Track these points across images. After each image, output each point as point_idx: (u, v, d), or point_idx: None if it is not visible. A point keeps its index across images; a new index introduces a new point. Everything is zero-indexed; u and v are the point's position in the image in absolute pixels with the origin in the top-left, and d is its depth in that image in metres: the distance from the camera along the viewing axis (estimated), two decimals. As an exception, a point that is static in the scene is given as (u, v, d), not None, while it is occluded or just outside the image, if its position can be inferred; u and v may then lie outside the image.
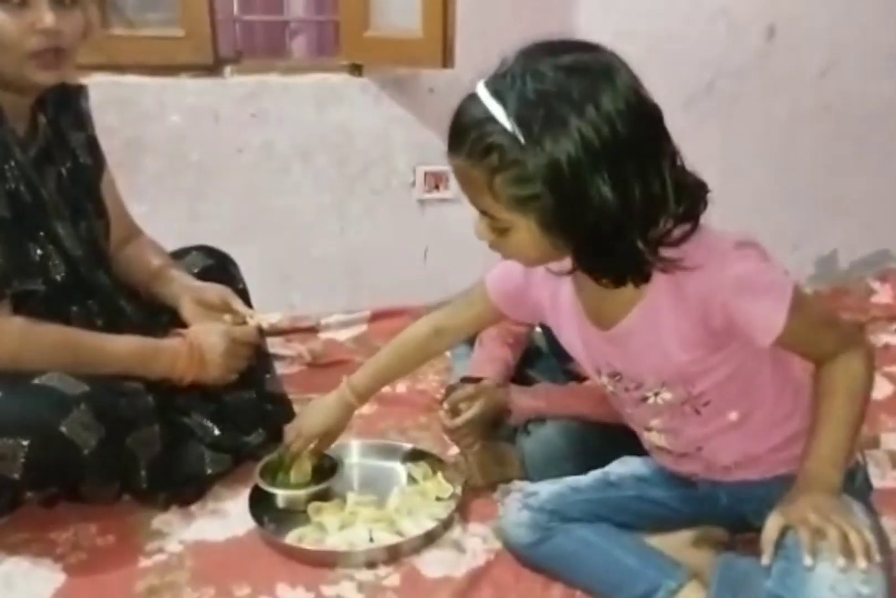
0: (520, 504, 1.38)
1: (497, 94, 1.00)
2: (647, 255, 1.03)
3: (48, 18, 1.37)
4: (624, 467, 1.42)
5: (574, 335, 1.27)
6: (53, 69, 1.44)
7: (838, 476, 1.12)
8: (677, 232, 1.04)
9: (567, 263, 1.12)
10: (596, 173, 0.97)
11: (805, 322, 1.11)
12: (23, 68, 1.41)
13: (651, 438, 1.32)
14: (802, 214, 2.74)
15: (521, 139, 0.97)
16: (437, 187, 2.57)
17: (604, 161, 0.97)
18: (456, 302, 1.51)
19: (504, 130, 0.98)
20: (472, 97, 1.03)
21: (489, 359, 1.80)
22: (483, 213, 1.07)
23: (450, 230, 2.60)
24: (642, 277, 1.08)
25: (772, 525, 1.07)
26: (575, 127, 0.96)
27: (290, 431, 1.59)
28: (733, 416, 1.22)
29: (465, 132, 1.02)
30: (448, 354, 1.98)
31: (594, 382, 1.33)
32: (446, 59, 2.19)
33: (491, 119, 0.99)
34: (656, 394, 1.22)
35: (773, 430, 1.24)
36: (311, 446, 1.56)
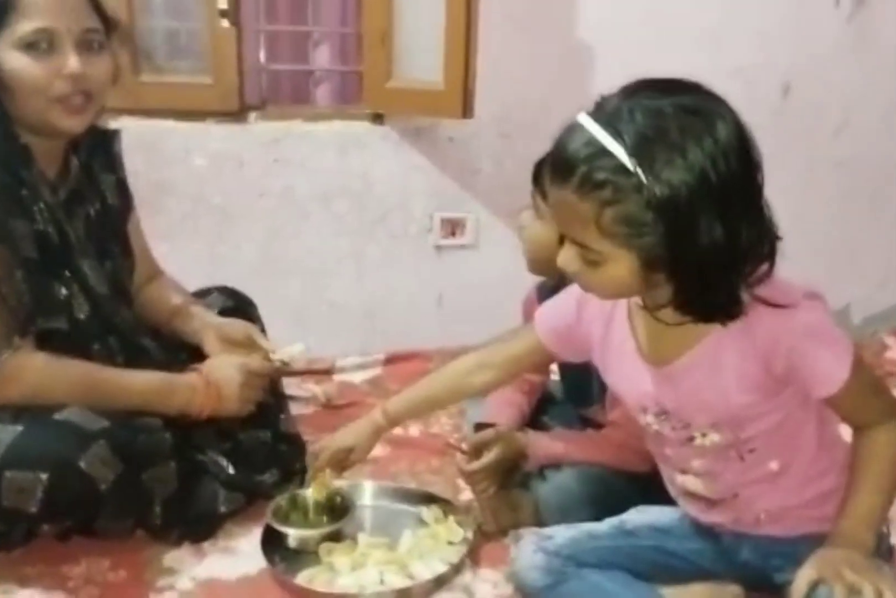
0: (535, 547, 1.36)
1: (611, 128, 1.01)
2: (744, 292, 1.06)
3: (73, 63, 1.41)
4: (642, 516, 1.41)
5: (623, 372, 1.27)
6: (78, 115, 1.46)
7: (872, 538, 1.13)
8: (759, 272, 1.07)
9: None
10: (710, 209, 0.99)
11: (860, 383, 1.13)
12: (49, 113, 1.44)
13: (685, 482, 1.31)
14: (816, 269, 2.74)
15: (640, 174, 0.99)
16: (453, 234, 2.61)
17: (717, 197, 0.99)
18: (503, 338, 1.50)
19: (619, 164, 0.99)
20: (577, 129, 1.03)
21: (504, 404, 1.80)
22: (577, 244, 1.07)
23: (465, 276, 2.64)
24: (733, 315, 1.09)
25: (803, 578, 1.05)
26: (694, 161, 0.98)
27: (318, 447, 1.59)
28: (774, 465, 1.22)
29: (575, 165, 1.02)
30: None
31: (636, 422, 1.31)
32: (466, 110, 2.24)
33: (604, 152, 1.00)
34: (704, 435, 1.22)
35: (808, 484, 1.24)
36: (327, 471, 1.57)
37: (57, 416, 1.39)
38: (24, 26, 1.38)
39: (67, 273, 1.54)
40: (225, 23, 2.32)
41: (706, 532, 1.35)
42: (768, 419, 1.19)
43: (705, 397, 1.18)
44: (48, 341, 1.49)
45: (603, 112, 1.03)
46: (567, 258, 1.10)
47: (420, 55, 2.31)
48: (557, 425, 1.83)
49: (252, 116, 2.45)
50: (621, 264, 1.06)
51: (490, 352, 1.48)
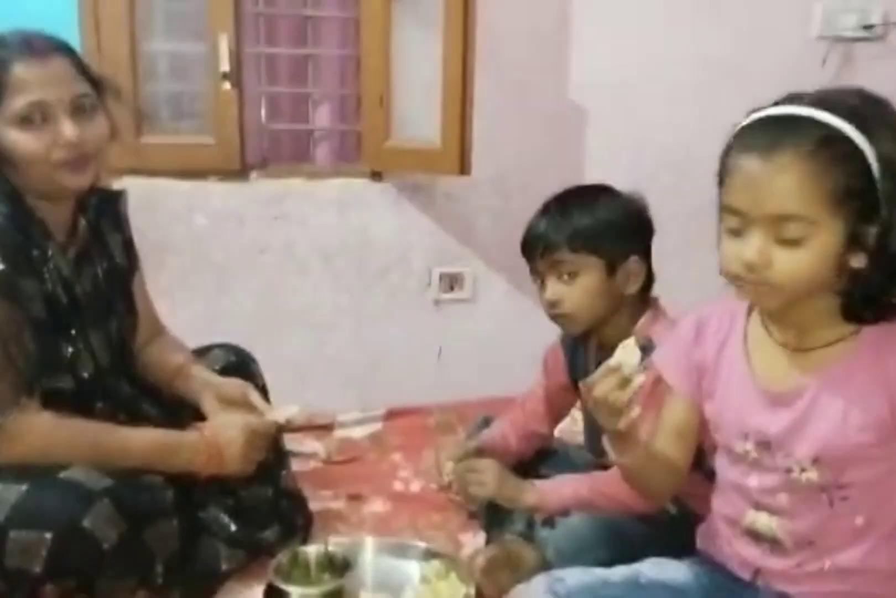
0: (545, 587, 1.32)
1: (821, 106, 1.08)
2: None
3: (69, 131, 1.45)
4: (657, 570, 1.36)
5: (729, 397, 1.26)
6: (82, 173, 1.50)
7: None
8: None
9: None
10: None
11: None
12: (53, 176, 1.48)
13: (757, 520, 1.26)
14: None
15: (857, 132, 1.05)
16: (451, 288, 2.64)
17: None
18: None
19: (835, 127, 1.06)
20: (764, 116, 1.11)
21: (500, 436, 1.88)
22: (775, 222, 1.07)
23: (464, 330, 2.67)
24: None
25: None
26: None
27: None
28: (860, 521, 1.20)
29: (791, 130, 1.07)
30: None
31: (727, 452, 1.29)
32: (463, 168, 2.28)
33: (815, 121, 1.07)
34: (802, 470, 1.19)
35: (882, 552, 1.21)
36: None
37: (62, 475, 1.40)
38: (16, 102, 1.42)
39: (73, 332, 1.56)
40: (227, 85, 2.38)
41: (738, 588, 1.30)
42: (872, 469, 1.16)
43: (819, 426, 1.16)
44: (52, 400, 1.50)
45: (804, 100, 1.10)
46: (754, 248, 1.09)
47: (418, 115, 2.37)
48: (556, 475, 1.83)
49: (253, 174, 2.51)
50: (826, 237, 1.07)
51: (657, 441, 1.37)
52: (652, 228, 1.72)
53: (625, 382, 1.16)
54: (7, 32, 1.48)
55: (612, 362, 1.17)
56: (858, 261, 1.10)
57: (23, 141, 1.44)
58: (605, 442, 1.30)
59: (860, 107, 1.08)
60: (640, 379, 1.15)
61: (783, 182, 1.06)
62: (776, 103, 1.13)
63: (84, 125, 1.47)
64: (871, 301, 1.12)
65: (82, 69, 1.51)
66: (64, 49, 1.50)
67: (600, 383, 1.17)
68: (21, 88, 1.42)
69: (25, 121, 1.43)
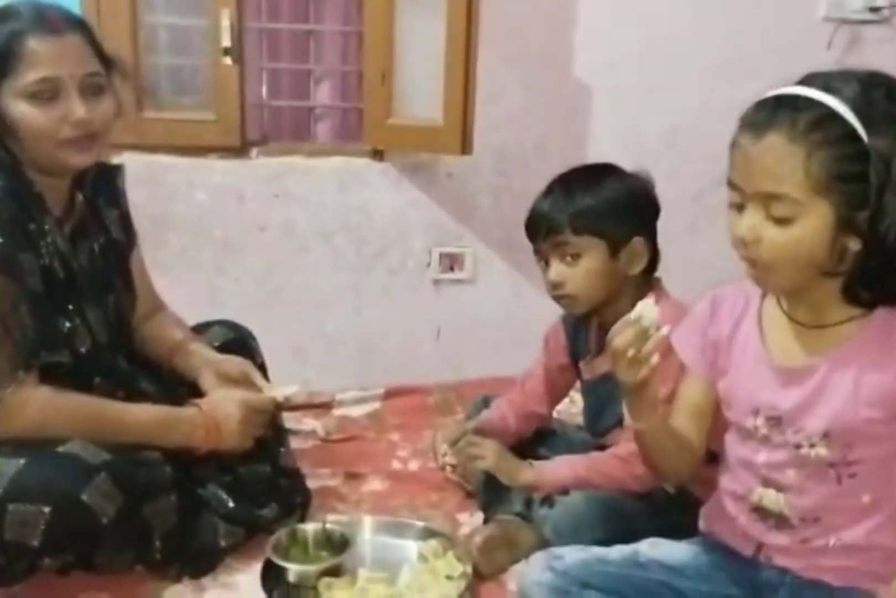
0: (544, 565, 1.34)
1: (824, 85, 1.08)
2: None
3: (79, 111, 1.44)
4: (655, 551, 1.38)
5: (742, 373, 1.27)
6: (87, 152, 1.50)
7: None
8: None
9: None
10: None
11: None
12: (57, 154, 1.47)
13: (764, 496, 1.28)
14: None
15: (853, 115, 1.05)
16: (451, 268, 2.64)
17: None
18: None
19: (832, 110, 1.06)
20: (772, 94, 1.12)
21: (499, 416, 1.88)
22: (768, 200, 1.09)
23: (463, 310, 2.66)
24: None
25: None
26: None
27: None
28: (866, 498, 1.21)
29: (788, 110, 1.08)
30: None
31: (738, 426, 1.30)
32: (465, 146, 2.27)
33: (814, 102, 1.07)
34: (812, 445, 1.21)
35: (886, 531, 1.23)
36: None
37: (59, 449, 1.40)
38: (28, 76, 1.41)
39: (71, 307, 1.55)
40: (228, 60, 2.35)
41: (738, 566, 1.32)
42: (881, 447, 1.18)
43: (830, 402, 1.18)
44: (50, 375, 1.50)
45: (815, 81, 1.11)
46: (750, 223, 1.11)
47: (419, 93, 2.36)
48: (555, 456, 1.84)
49: (253, 151, 2.49)
50: (815, 218, 1.07)
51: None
52: (657, 209, 1.71)
53: (644, 333, 1.18)
54: (21, 3, 1.46)
55: (632, 315, 1.20)
56: (854, 244, 1.10)
57: (30, 115, 1.43)
58: (624, 407, 1.31)
59: (868, 91, 1.07)
60: (659, 331, 1.18)
61: (770, 161, 1.08)
62: (798, 83, 1.13)
63: (93, 104, 1.47)
64: (869, 286, 1.13)
65: (95, 47, 1.50)
66: (79, 25, 1.49)
67: (620, 334, 1.20)
68: (34, 62, 1.41)
69: (35, 96, 1.42)
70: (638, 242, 1.65)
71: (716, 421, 1.35)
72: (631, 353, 1.19)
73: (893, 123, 1.06)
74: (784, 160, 1.07)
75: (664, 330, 1.18)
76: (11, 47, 1.40)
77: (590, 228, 1.64)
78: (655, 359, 1.19)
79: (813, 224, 1.08)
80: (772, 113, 1.09)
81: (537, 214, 1.69)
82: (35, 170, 1.50)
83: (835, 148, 1.06)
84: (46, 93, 1.42)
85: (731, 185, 1.14)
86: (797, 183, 1.07)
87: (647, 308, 1.20)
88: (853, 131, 1.06)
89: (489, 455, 1.70)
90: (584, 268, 1.65)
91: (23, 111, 1.42)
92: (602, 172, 1.71)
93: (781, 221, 1.09)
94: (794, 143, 1.06)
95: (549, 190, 1.71)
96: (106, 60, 1.52)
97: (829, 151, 1.06)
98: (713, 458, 1.40)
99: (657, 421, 1.30)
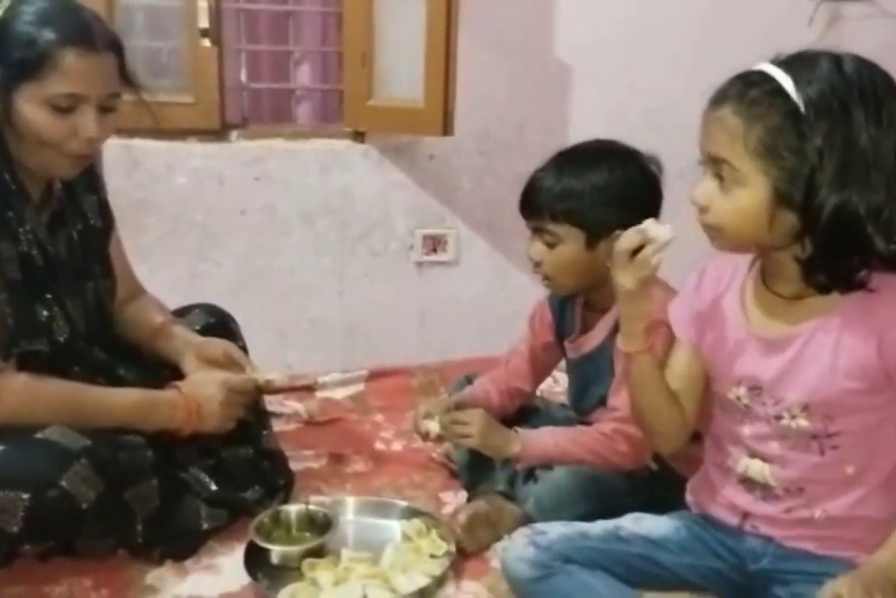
0: (527, 540, 1.36)
1: (788, 67, 1.12)
2: (883, 255, 1.09)
3: (93, 130, 1.44)
4: (637, 525, 1.40)
5: (724, 342, 1.28)
6: (80, 167, 1.53)
7: None
8: None
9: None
10: (860, 122, 1.07)
11: None
12: (53, 163, 1.48)
13: (750, 467, 1.29)
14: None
15: (798, 92, 1.08)
16: (434, 250, 2.63)
17: (872, 122, 1.08)
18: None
19: (776, 87, 1.10)
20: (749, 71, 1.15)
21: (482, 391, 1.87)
22: (718, 164, 1.13)
23: (446, 292, 2.66)
24: (857, 284, 1.13)
25: (829, 590, 1.06)
26: (846, 81, 1.09)
27: None
28: (850, 470, 1.23)
29: (742, 83, 1.13)
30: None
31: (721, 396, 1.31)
32: (446, 128, 2.26)
33: (767, 77, 1.11)
34: (793, 417, 1.22)
35: (874, 502, 1.24)
36: None
37: (38, 435, 1.40)
38: (56, 87, 1.40)
39: (49, 296, 1.54)
40: (206, 42, 2.34)
41: (723, 537, 1.34)
42: (861, 419, 1.20)
43: (808, 372, 1.19)
44: (28, 363, 1.49)
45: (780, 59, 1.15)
46: (703, 190, 1.16)
47: (400, 74, 2.34)
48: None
49: (233, 134, 2.47)
50: (754, 189, 1.11)
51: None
52: (658, 201, 1.63)
53: (648, 242, 1.23)
54: (67, 9, 1.45)
55: (641, 225, 1.24)
56: (793, 221, 1.12)
57: (44, 122, 1.42)
58: (619, 339, 1.33)
59: (830, 73, 1.10)
60: (664, 236, 1.22)
61: (717, 130, 1.14)
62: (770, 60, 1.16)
63: (104, 123, 1.47)
64: (822, 268, 1.14)
65: (123, 69, 1.50)
66: (117, 47, 1.48)
67: (625, 237, 1.25)
68: (66, 75, 1.40)
69: (55, 105, 1.41)
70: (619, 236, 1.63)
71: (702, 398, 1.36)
72: (630, 256, 1.24)
73: (841, 107, 1.08)
74: (728, 130, 1.12)
75: (663, 237, 1.22)
76: (48, 55, 1.39)
77: (569, 218, 1.61)
78: (658, 259, 1.23)
79: (752, 195, 1.12)
80: (730, 85, 1.14)
81: (526, 189, 1.67)
82: (20, 167, 1.49)
83: (773, 123, 1.09)
84: (66, 105, 1.42)
85: (700, 150, 1.19)
86: (737, 153, 1.11)
87: (654, 225, 1.24)
88: (797, 109, 1.08)
89: (475, 430, 1.67)
90: (559, 254, 1.64)
91: (37, 117, 1.41)
92: (602, 155, 1.65)
93: (726, 190, 1.14)
94: (738, 115, 1.11)
95: (545, 167, 1.67)
96: (127, 80, 1.52)
97: (766, 125, 1.09)
98: (696, 437, 1.41)
99: (645, 350, 1.31)
